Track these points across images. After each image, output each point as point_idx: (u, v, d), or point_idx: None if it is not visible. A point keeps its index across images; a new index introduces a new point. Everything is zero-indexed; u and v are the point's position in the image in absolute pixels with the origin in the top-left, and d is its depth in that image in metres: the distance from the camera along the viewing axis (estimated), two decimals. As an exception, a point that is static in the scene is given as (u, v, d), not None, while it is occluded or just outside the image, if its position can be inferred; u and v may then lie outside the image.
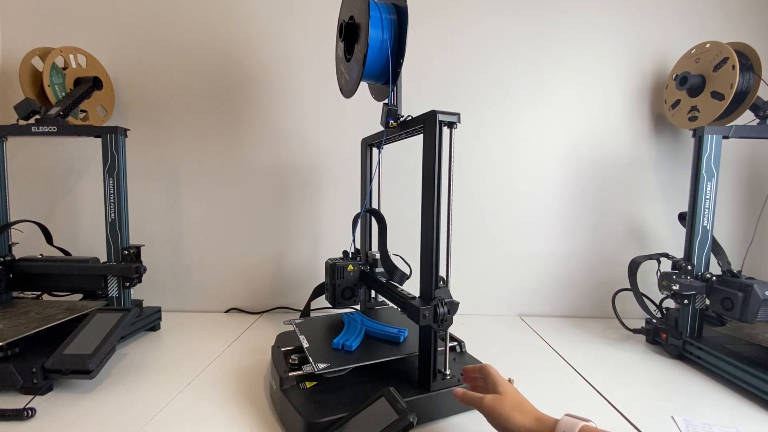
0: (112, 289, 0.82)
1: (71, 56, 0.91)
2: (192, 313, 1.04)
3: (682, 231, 0.81)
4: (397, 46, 0.61)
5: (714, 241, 0.78)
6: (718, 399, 0.64)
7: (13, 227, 0.84)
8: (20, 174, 1.01)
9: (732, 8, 1.00)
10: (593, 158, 1.04)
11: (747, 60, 0.85)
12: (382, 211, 0.78)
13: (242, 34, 1.02)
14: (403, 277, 0.71)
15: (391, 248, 0.74)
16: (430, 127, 0.54)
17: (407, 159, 0.96)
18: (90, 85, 0.90)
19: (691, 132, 0.78)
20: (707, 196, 0.76)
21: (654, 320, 0.84)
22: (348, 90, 0.69)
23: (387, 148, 0.73)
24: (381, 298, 0.86)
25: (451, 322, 0.55)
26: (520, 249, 1.05)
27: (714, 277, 0.74)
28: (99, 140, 0.80)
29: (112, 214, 0.81)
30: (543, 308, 1.06)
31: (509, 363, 0.75)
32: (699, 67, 0.87)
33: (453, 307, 0.54)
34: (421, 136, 0.57)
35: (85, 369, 0.60)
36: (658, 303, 0.87)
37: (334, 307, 0.79)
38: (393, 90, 0.63)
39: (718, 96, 0.83)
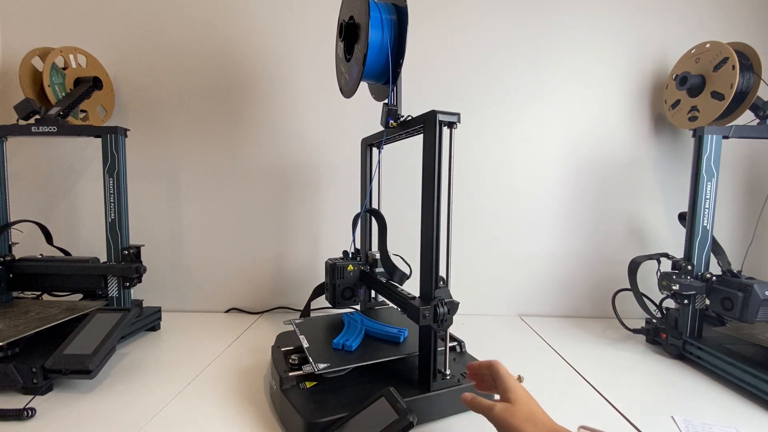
0: (112, 289, 0.82)
1: (71, 56, 0.91)
2: (192, 313, 1.04)
3: (682, 231, 0.81)
4: (397, 46, 0.61)
5: (714, 241, 0.78)
6: (718, 399, 0.64)
7: (13, 227, 0.84)
8: (20, 174, 1.01)
9: (732, 8, 1.00)
10: (593, 158, 1.04)
11: (747, 60, 0.85)
12: (382, 211, 0.78)
13: (242, 34, 1.02)
14: (403, 277, 0.71)
15: (391, 248, 0.74)
16: (430, 127, 0.54)
17: (407, 159, 0.96)
18: (90, 85, 0.90)
19: (691, 132, 0.78)
20: (707, 196, 0.76)
21: (654, 320, 0.84)
22: (348, 90, 0.69)
23: (387, 148, 0.73)
24: (381, 298, 0.86)
25: (451, 322, 0.55)
26: (520, 249, 1.05)
27: (714, 277, 0.74)
28: (99, 140, 0.80)
29: (112, 214, 0.81)
30: (543, 308, 1.06)
31: (509, 363, 0.74)
32: (699, 67, 0.87)
33: (453, 307, 0.54)
34: (421, 136, 0.57)
35: (85, 369, 0.60)
36: (658, 303, 0.87)
37: (334, 307, 0.79)
38: (393, 90, 0.63)
39: (718, 96, 0.83)
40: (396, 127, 0.63)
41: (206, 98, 1.03)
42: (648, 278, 0.88)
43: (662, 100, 1.00)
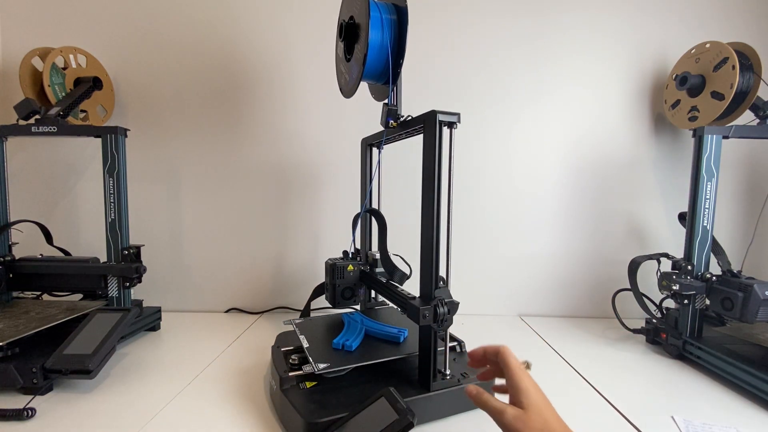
0: (112, 289, 0.82)
1: (71, 56, 0.91)
2: (192, 313, 1.04)
3: (682, 231, 0.81)
4: (397, 46, 0.61)
5: (714, 241, 0.78)
6: (718, 399, 0.64)
7: (13, 227, 0.84)
8: (20, 174, 1.01)
9: (732, 8, 1.00)
10: (593, 158, 1.04)
11: (747, 60, 0.85)
12: (382, 211, 0.78)
13: (242, 34, 1.02)
14: (403, 277, 0.71)
15: (391, 248, 0.74)
16: (430, 127, 0.54)
17: (407, 159, 0.96)
18: (90, 85, 0.90)
19: (691, 132, 0.78)
20: (707, 196, 0.76)
21: (654, 320, 0.84)
22: (348, 90, 0.69)
23: (387, 148, 0.73)
24: (381, 298, 0.86)
25: (451, 322, 0.55)
26: (520, 249, 1.05)
27: (714, 277, 0.74)
28: (99, 140, 0.80)
29: (112, 214, 0.81)
30: (543, 308, 1.06)
31: (509, 363, 0.75)
32: (699, 67, 0.87)
33: (453, 307, 0.54)
34: (421, 136, 0.57)
35: (85, 369, 0.60)
36: (658, 303, 0.87)
37: (334, 307, 0.79)
38: (393, 90, 0.63)
39: (718, 96, 0.82)
40: (396, 127, 0.63)
41: (206, 98, 1.03)
42: (648, 278, 0.88)
43: (662, 100, 1.00)
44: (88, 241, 1.03)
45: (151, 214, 1.04)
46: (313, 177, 1.05)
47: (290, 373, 0.57)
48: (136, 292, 0.88)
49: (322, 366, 0.56)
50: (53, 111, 0.81)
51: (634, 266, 0.86)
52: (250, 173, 1.04)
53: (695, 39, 0.90)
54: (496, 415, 0.40)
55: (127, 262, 0.82)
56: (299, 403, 0.51)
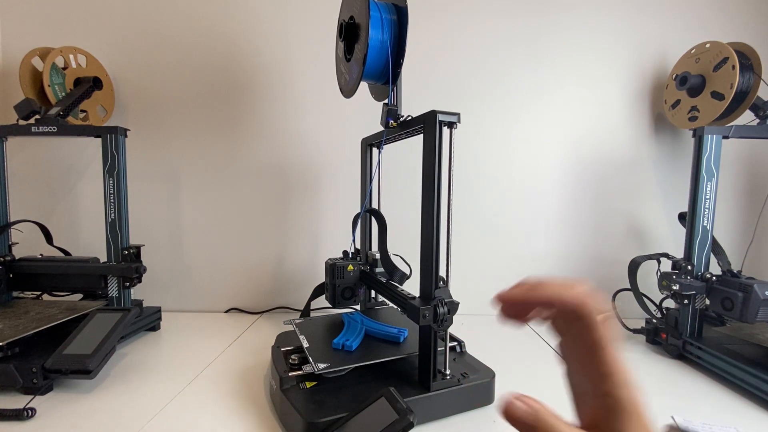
0: (112, 289, 0.82)
1: (71, 56, 0.91)
2: (192, 313, 1.04)
3: (682, 231, 0.81)
4: (397, 46, 0.61)
5: (714, 241, 0.78)
6: (718, 399, 0.64)
7: (13, 227, 0.84)
8: (20, 174, 1.01)
9: (732, 8, 1.00)
10: (593, 158, 1.04)
11: (747, 60, 0.85)
12: (382, 211, 0.78)
13: (242, 34, 1.02)
14: (403, 277, 0.71)
15: (391, 248, 0.74)
16: (430, 127, 0.54)
17: (407, 159, 0.96)
18: (90, 85, 0.90)
19: (691, 132, 0.78)
20: (707, 196, 0.76)
21: (654, 320, 0.84)
22: (348, 90, 0.69)
23: (387, 148, 0.73)
24: (381, 298, 0.86)
25: (451, 322, 0.55)
26: (521, 249, 1.05)
27: (714, 277, 0.74)
28: (99, 140, 0.80)
29: (112, 214, 0.81)
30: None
31: (509, 363, 0.75)
32: (699, 67, 0.87)
33: (453, 307, 0.54)
34: (421, 136, 0.57)
35: (85, 369, 0.60)
36: (658, 303, 0.86)
37: (334, 307, 0.79)
38: (393, 90, 0.63)
39: (718, 96, 0.82)
40: (396, 127, 0.63)
41: (206, 98, 1.03)
42: (648, 278, 0.88)
43: (662, 100, 1.00)
44: (88, 241, 1.03)
45: (151, 214, 1.04)
46: (313, 177, 1.05)
47: (290, 373, 0.57)
48: (136, 292, 0.88)
49: (322, 366, 0.56)
50: (53, 111, 0.81)
51: (634, 266, 0.86)
52: (251, 173, 1.04)
53: (695, 39, 0.90)
54: None
55: (127, 262, 0.82)
56: (299, 403, 0.51)
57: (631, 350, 0.83)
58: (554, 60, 1.02)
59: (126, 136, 0.82)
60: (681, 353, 0.78)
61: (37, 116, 0.81)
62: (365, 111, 0.96)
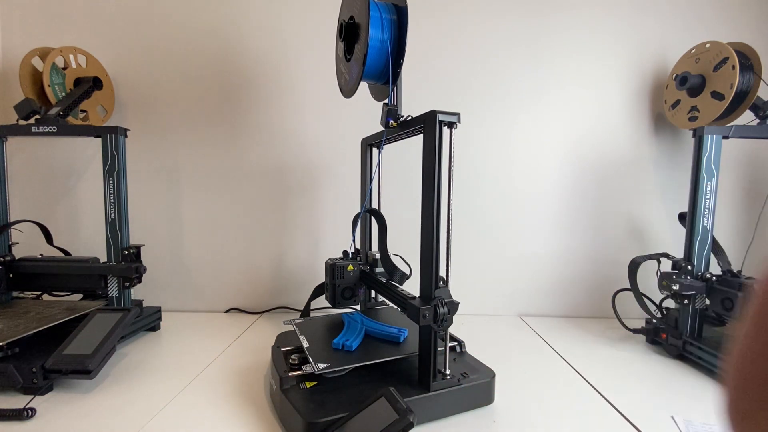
0: (112, 289, 0.82)
1: (71, 56, 0.91)
2: (192, 313, 1.04)
3: (682, 231, 0.81)
4: (397, 46, 0.61)
5: (714, 241, 0.78)
6: (718, 399, 0.64)
7: (13, 227, 0.84)
8: (20, 174, 1.01)
9: (732, 8, 1.00)
10: (593, 158, 1.04)
11: (747, 60, 0.85)
12: (382, 211, 0.78)
13: (242, 34, 1.02)
14: (403, 277, 0.71)
15: (391, 248, 0.74)
16: (430, 127, 0.54)
17: (407, 159, 0.96)
18: (90, 85, 0.90)
19: (691, 132, 0.78)
20: (707, 196, 0.76)
21: (654, 320, 0.84)
22: (348, 90, 0.69)
23: (387, 148, 0.73)
24: (381, 298, 0.86)
25: (451, 322, 0.55)
26: (520, 249, 1.05)
27: (714, 277, 0.74)
28: (99, 140, 0.80)
29: (112, 214, 0.81)
30: (543, 308, 1.06)
31: (509, 363, 0.75)
32: (699, 67, 0.87)
33: (453, 307, 0.54)
34: (421, 136, 0.57)
35: (85, 369, 0.60)
36: (658, 303, 0.87)
37: (334, 307, 0.79)
38: (393, 90, 0.63)
39: (718, 96, 0.82)
40: (396, 127, 0.63)
41: (206, 98, 1.03)
42: (648, 278, 0.88)
43: (662, 100, 1.00)
44: (88, 241, 1.03)
45: (151, 214, 1.04)
46: (313, 177, 1.05)
47: (290, 373, 0.57)
48: (136, 292, 0.89)
49: (322, 366, 0.56)
50: (53, 111, 0.81)
51: (634, 266, 0.86)
52: (251, 173, 1.04)
53: (695, 39, 0.90)
54: None
55: (127, 262, 0.82)
56: (299, 403, 0.51)
57: (631, 350, 0.83)
58: (554, 60, 1.02)
59: (126, 136, 0.82)
60: (681, 353, 0.78)
61: (37, 116, 0.81)
62: (365, 111, 0.96)
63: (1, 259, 0.80)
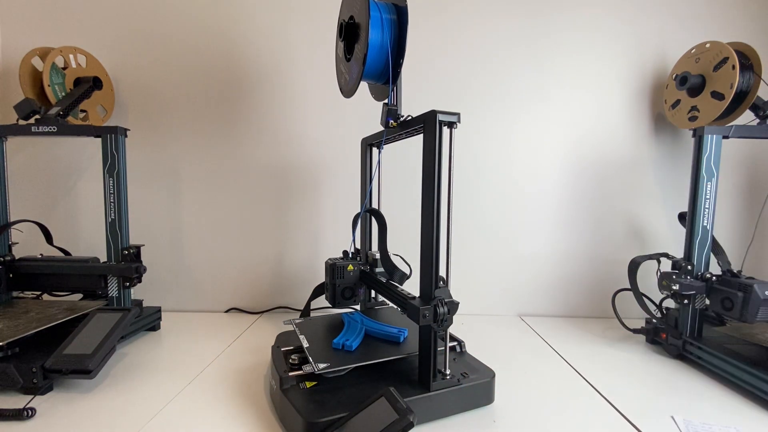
0: (112, 289, 0.82)
1: (71, 56, 0.91)
2: (192, 313, 1.04)
3: (682, 231, 0.81)
4: (397, 45, 0.61)
5: (714, 241, 0.78)
6: (718, 399, 0.64)
7: (13, 227, 0.84)
8: (20, 174, 1.01)
9: (732, 8, 1.00)
10: (593, 158, 1.04)
11: (747, 60, 0.85)
12: (382, 211, 0.78)
13: (243, 34, 1.02)
14: (403, 277, 0.71)
15: (391, 248, 0.74)
16: (430, 127, 0.54)
17: (407, 159, 0.96)
18: (90, 84, 0.90)
19: (691, 132, 0.78)
20: (707, 196, 0.76)
21: (654, 320, 0.84)
22: (348, 90, 0.69)
23: (387, 148, 0.73)
24: (381, 298, 0.86)
25: (451, 322, 0.55)
26: (520, 249, 1.05)
27: (714, 277, 0.74)
28: (99, 140, 0.80)
29: (112, 214, 0.81)
30: (543, 308, 1.06)
31: (509, 363, 0.75)
32: (699, 66, 0.87)
33: (453, 307, 0.54)
34: (421, 136, 0.57)
35: (85, 369, 0.60)
36: (658, 303, 0.87)
37: (334, 306, 0.79)
38: (393, 90, 0.63)
39: (718, 96, 0.83)
40: (396, 127, 0.63)
41: (206, 98, 1.03)
42: (648, 278, 0.88)
43: (662, 99, 1.00)
44: (88, 241, 1.03)
45: (151, 214, 1.04)
46: (313, 177, 1.05)
47: (290, 373, 0.57)
48: (136, 292, 0.89)
49: (322, 366, 0.56)
50: (53, 111, 0.81)
51: (633, 266, 0.86)
52: (251, 173, 1.04)
53: (695, 39, 0.90)
54: None
55: (127, 262, 0.82)
56: (299, 403, 0.51)
57: (631, 350, 0.83)
58: (554, 60, 1.02)
59: (126, 135, 0.82)
60: (681, 353, 0.78)
61: (37, 116, 0.81)
62: (365, 111, 0.96)
63: (1, 258, 0.80)
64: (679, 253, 0.81)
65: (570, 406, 0.61)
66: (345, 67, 0.69)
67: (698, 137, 0.76)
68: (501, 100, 1.03)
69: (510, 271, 1.06)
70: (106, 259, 0.82)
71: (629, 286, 0.86)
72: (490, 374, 0.61)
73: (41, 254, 0.86)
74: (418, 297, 0.57)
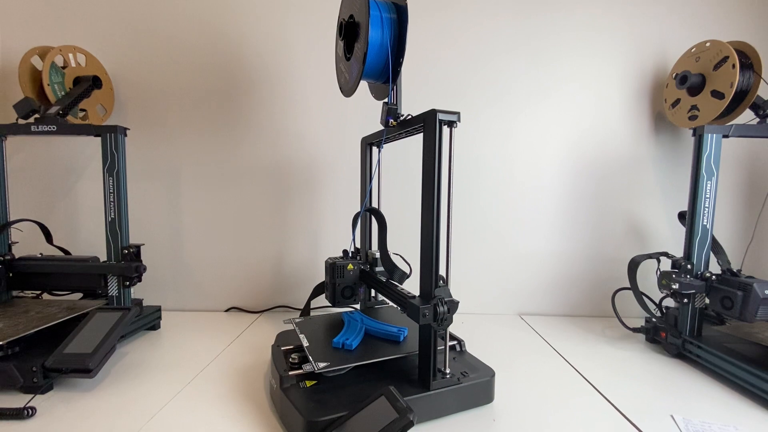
0: (112, 289, 0.82)
1: (70, 55, 0.91)
2: (192, 313, 1.04)
3: (681, 230, 0.81)
4: (397, 44, 0.61)
5: (714, 240, 0.78)
6: (717, 397, 0.64)
7: (12, 226, 0.84)
8: (20, 173, 1.01)
9: (732, 7, 1.00)
10: (593, 157, 1.04)
11: (747, 59, 0.85)
12: (382, 211, 0.78)
13: (242, 33, 1.01)
14: (403, 276, 0.71)
15: (391, 247, 0.74)
16: (430, 126, 0.54)
17: (407, 158, 0.96)
18: (89, 84, 0.90)
19: (691, 131, 0.78)
20: (707, 195, 0.76)
21: (653, 319, 0.84)
22: (348, 89, 0.68)
23: (387, 148, 0.73)
24: (381, 297, 0.86)
25: (451, 321, 0.55)
26: (520, 248, 1.05)
27: (713, 276, 0.75)
28: (98, 139, 0.80)
29: (112, 214, 0.81)
30: (543, 307, 1.06)
31: (509, 362, 0.75)
32: (699, 65, 0.87)
33: (453, 306, 0.54)
34: (421, 135, 0.57)
35: (85, 368, 0.60)
36: (657, 302, 0.87)
37: (334, 306, 0.79)
38: (393, 89, 0.63)
39: (718, 95, 0.82)
40: (396, 126, 0.63)
41: (206, 97, 1.03)
42: (648, 277, 0.88)
43: (662, 99, 1.00)
44: (88, 241, 1.03)
45: (151, 214, 1.04)
46: (313, 176, 1.05)
47: (290, 372, 0.57)
48: (136, 291, 0.88)
49: (322, 365, 0.56)
50: (53, 110, 0.81)
51: (633, 265, 0.86)
52: (251, 172, 1.04)
53: (695, 38, 0.90)
54: None
55: (127, 261, 0.82)
56: (299, 402, 0.51)
57: (631, 349, 0.83)
58: (554, 59, 1.02)
59: (126, 135, 0.82)
60: (680, 352, 0.78)
61: (37, 115, 0.81)
62: (365, 110, 0.96)
63: (1, 258, 0.80)
64: (678, 252, 0.81)
65: (569, 405, 0.61)
66: (345, 66, 0.69)
67: (698, 136, 0.76)
68: (501, 99, 1.03)
69: (510, 270, 1.06)
70: (105, 259, 0.82)
71: (629, 285, 0.86)
72: (490, 373, 0.61)
73: (41, 253, 0.86)
74: (418, 296, 0.57)
